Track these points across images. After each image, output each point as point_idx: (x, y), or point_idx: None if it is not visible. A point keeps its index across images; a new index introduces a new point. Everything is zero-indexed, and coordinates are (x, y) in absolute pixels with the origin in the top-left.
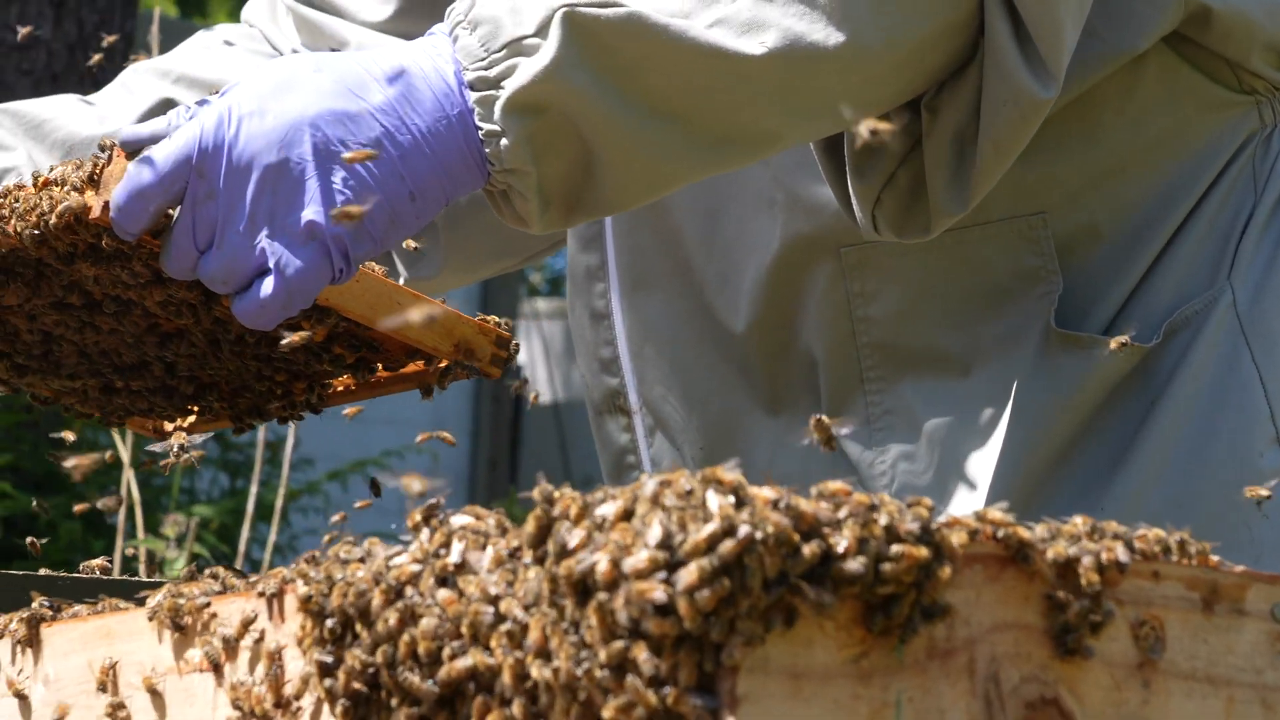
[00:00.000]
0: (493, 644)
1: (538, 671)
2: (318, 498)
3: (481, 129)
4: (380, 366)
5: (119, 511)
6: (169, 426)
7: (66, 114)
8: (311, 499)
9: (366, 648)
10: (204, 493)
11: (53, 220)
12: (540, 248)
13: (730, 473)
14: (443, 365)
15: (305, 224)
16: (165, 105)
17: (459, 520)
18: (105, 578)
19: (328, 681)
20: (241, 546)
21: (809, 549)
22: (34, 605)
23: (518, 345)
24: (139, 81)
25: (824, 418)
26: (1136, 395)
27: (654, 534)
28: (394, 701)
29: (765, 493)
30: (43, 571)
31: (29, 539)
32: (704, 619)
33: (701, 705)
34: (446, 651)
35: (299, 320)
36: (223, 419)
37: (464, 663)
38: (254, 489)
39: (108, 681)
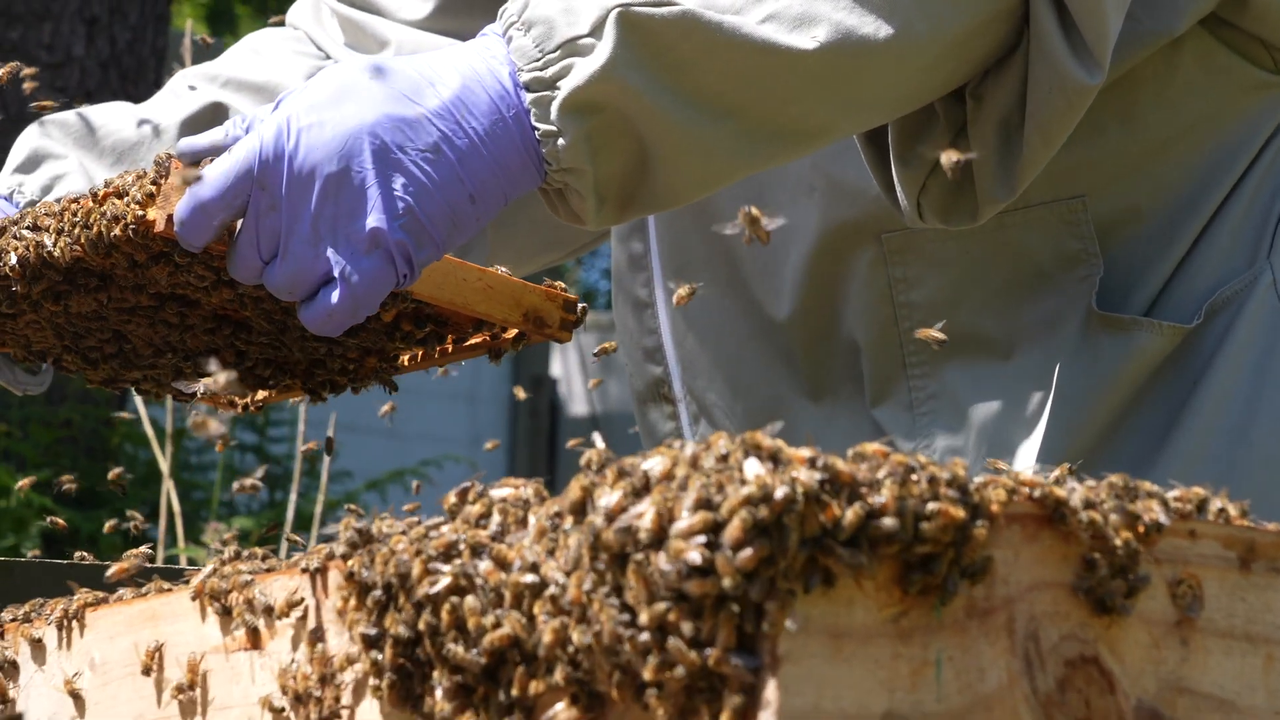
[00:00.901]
0: (535, 610)
1: (579, 636)
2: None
3: (538, 129)
4: (449, 338)
5: (160, 523)
6: (241, 401)
7: (116, 120)
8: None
9: (409, 619)
10: (244, 504)
11: (116, 233)
12: (585, 240)
13: (769, 437)
14: (512, 333)
15: (369, 232)
16: (214, 109)
17: (499, 492)
18: (148, 565)
19: (374, 654)
20: (281, 557)
21: (851, 511)
22: (77, 592)
23: (585, 308)
24: (187, 87)
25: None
26: (1178, 376)
27: (692, 496)
28: (437, 673)
29: (802, 453)
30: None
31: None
32: (744, 579)
33: (743, 665)
34: (489, 620)
35: None
36: (296, 391)
37: (505, 630)
38: (293, 500)
39: (153, 665)
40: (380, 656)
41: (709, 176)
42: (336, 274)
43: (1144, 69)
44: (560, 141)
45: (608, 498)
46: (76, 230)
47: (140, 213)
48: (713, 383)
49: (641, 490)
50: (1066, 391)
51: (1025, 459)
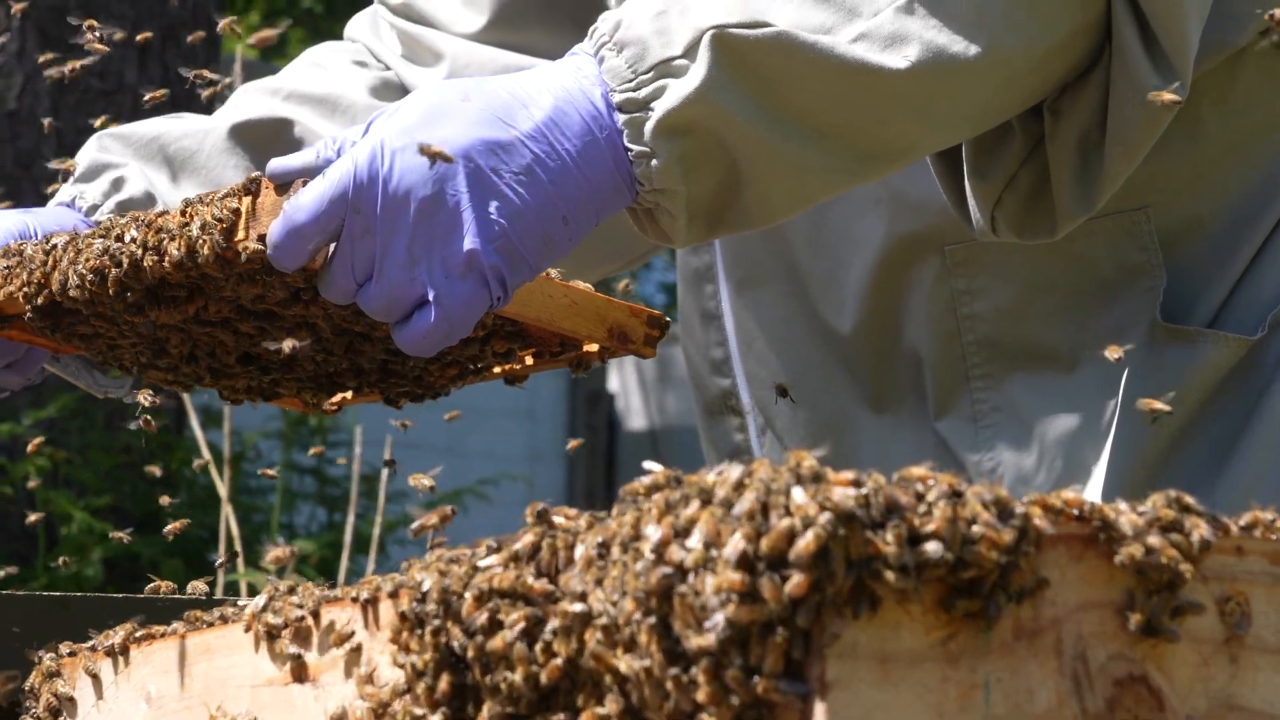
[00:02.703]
0: (586, 639)
1: (627, 665)
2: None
3: (631, 150)
4: (532, 351)
5: (220, 546)
6: (324, 404)
7: (176, 130)
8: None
9: (461, 649)
10: (303, 527)
11: (204, 254)
12: (643, 251)
13: (812, 458)
14: (596, 347)
15: (464, 255)
16: (274, 122)
17: (555, 519)
18: (204, 598)
19: (425, 683)
20: (341, 579)
21: (892, 534)
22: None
23: (669, 323)
24: (249, 101)
25: None
26: (1243, 387)
27: (738, 528)
28: (488, 704)
29: (845, 476)
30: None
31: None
32: (791, 606)
33: (791, 692)
34: (539, 649)
35: None
36: (374, 397)
37: (558, 661)
38: (350, 521)
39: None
40: (434, 685)
41: (799, 196)
42: (431, 297)
43: (1206, 80)
44: (654, 162)
45: (654, 531)
46: (164, 246)
47: (233, 234)
48: (776, 393)
49: (687, 527)
50: (1131, 403)
51: (1094, 471)
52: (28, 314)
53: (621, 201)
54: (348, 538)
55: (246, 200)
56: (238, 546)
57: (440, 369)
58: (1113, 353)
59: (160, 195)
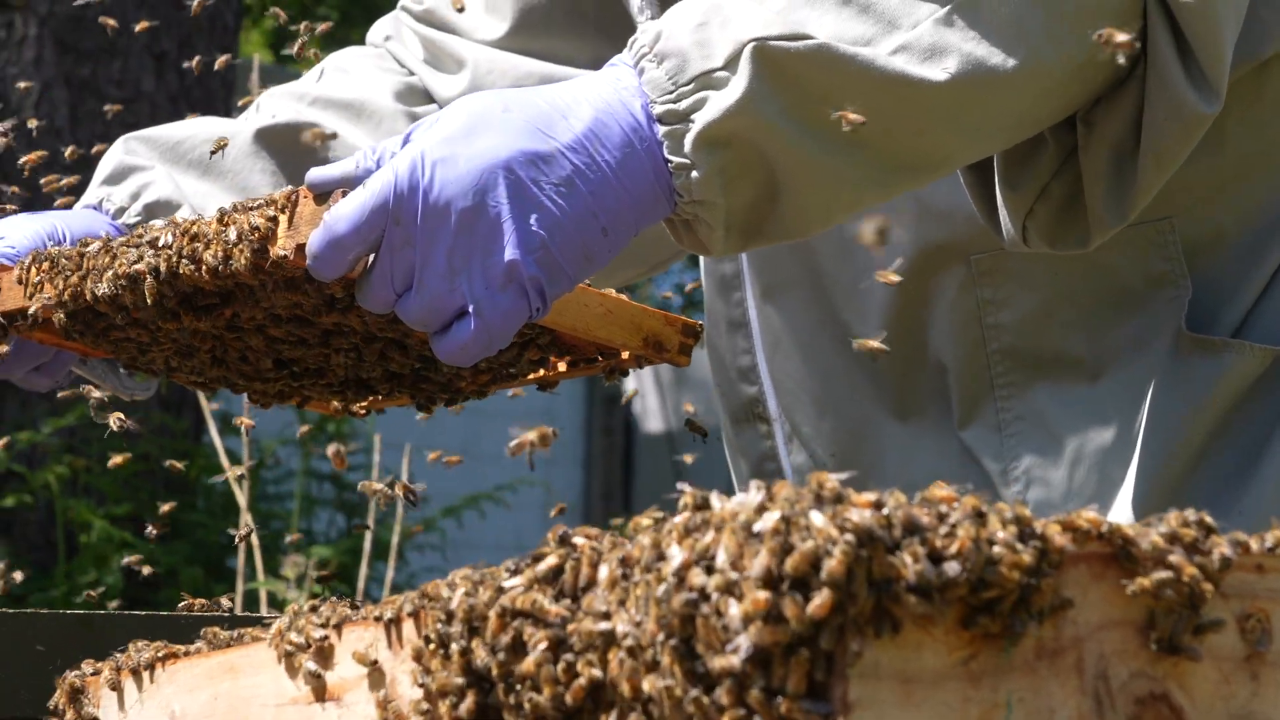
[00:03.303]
0: (610, 659)
1: (650, 685)
2: (434, 535)
3: (671, 161)
4: (568, 360)
5: (239, 554)
6: (354, 407)
7: (202, 133)
8: (427, 536)
9: (485, 669)
10: (322, 534)
11: (240, 262)
12: (664, 256)
13: (833, 480)
14: (630, 355)
15: (504, 267)
16: (302, 128)
17: (576, 540)
18: (225, 614)
19: (449, 703)
20: (360, 585)
21: (909, 556)
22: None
23: (702, 326)
24: (274, 106)
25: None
26: (1269, 396)
27: (760, 551)
28: (514, 716)
29: (867, 497)
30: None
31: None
32: (814, 626)
33: (815, 712)
34: (563, 669)
35: None
36: (405, 400)
37: (582, 681)
38: (370, 528)
39: None
40: (455, 705)
41: (836, 208)
42: (471, 308)
43: (1232, 90)
44: (694, 174)
45: (676, 552)
46: (199, 254)
47: (271, 243)
48: (800, 402)
49: (709, 550)
50: (1158, 413)
51: (1119, 480)
52: (59, 318)
53: (660, 213)
54: (367, 545)
55: (284, 209)
56: (256, 555)
57: (473, 375)
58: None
59: (186, 198)
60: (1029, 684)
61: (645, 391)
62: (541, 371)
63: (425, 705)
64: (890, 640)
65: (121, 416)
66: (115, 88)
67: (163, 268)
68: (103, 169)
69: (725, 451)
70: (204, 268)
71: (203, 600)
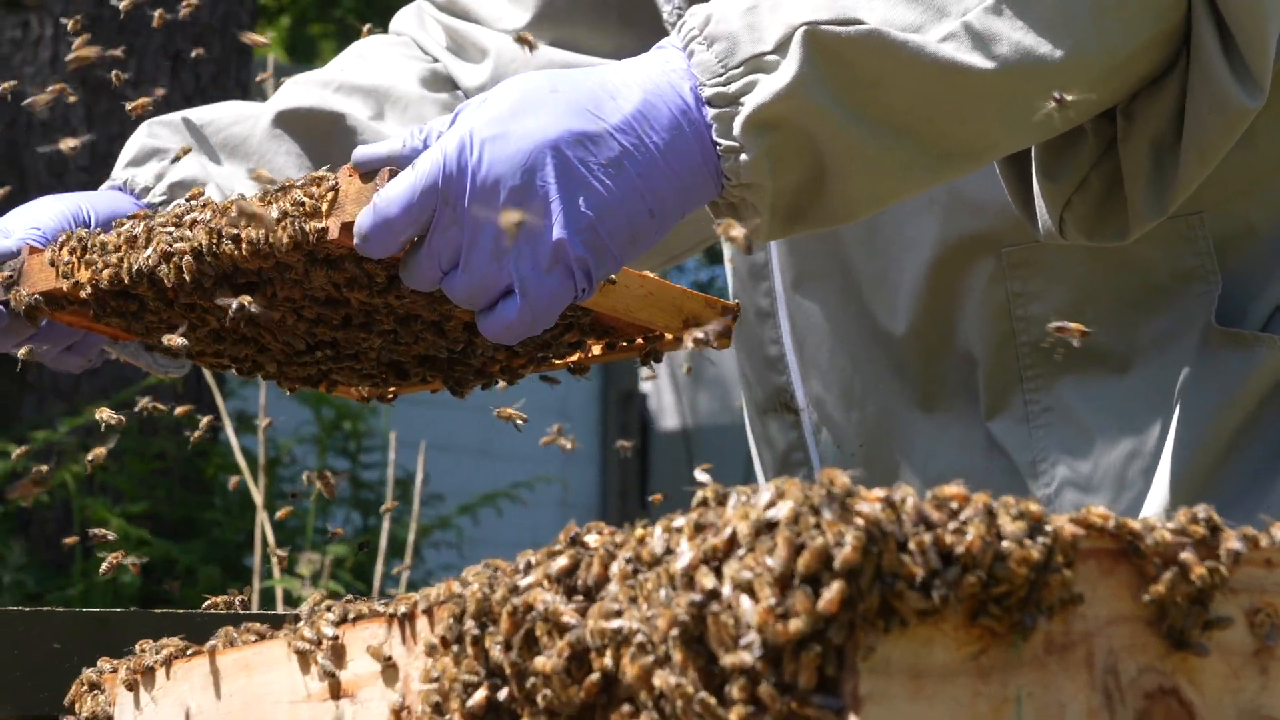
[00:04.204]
0: (622, 655)
1: (662, 681)
2: (450, 532)
3: (719, 144)
4: (603, 343)
5: (255, 552)
6: (379, 391)
7: (227, 116)
8: (443, 534)
9: (498, 665)
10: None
11: (283, 240)
12: (686, 247)
13: (844, 476)
14: (670, 338)
15: (551, 247)
16: (325, 114)
17: (588, 538)
18: (242, 612)
19: (461, 698)
20: (376, 583)
21: (921, 550)
22: (170, 642)
23: (739, 305)
24: (299, 91)
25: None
26: None
27: (773, 549)
28: (525, 717)
29: (877, 493)
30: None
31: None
32: (825, 621)
33: (826, 706)
34: (573, 665)
35: None
36: (435, 384)
37: (594, 677)
38: (386, 526)
39: None
40: (466, 700)
41: (880, 194)
42: (516, 288)
43: None
44: (742, 157)
45: (687, 549)
46: (241, 232)
47: (315, 220)
48: (828, 392)
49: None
50: (1187, 406)
51: (1147, 473)
52: (91, 298)
53: (707, 196)
54: (383, 542)
55: (330, 188)
56: (272, 552)
57: (508, 357)
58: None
59: (212, 178)
60: (1039, 679)
61: (661, 389)
62: (577, 355)
63: (436, 699)
64: (900, 635)
65: (111, 412)
66: (130, 88)
67: (204, 244)
68: (126, 152)
69: (749, 441)
70: (245, 246)
71: (225, 598)
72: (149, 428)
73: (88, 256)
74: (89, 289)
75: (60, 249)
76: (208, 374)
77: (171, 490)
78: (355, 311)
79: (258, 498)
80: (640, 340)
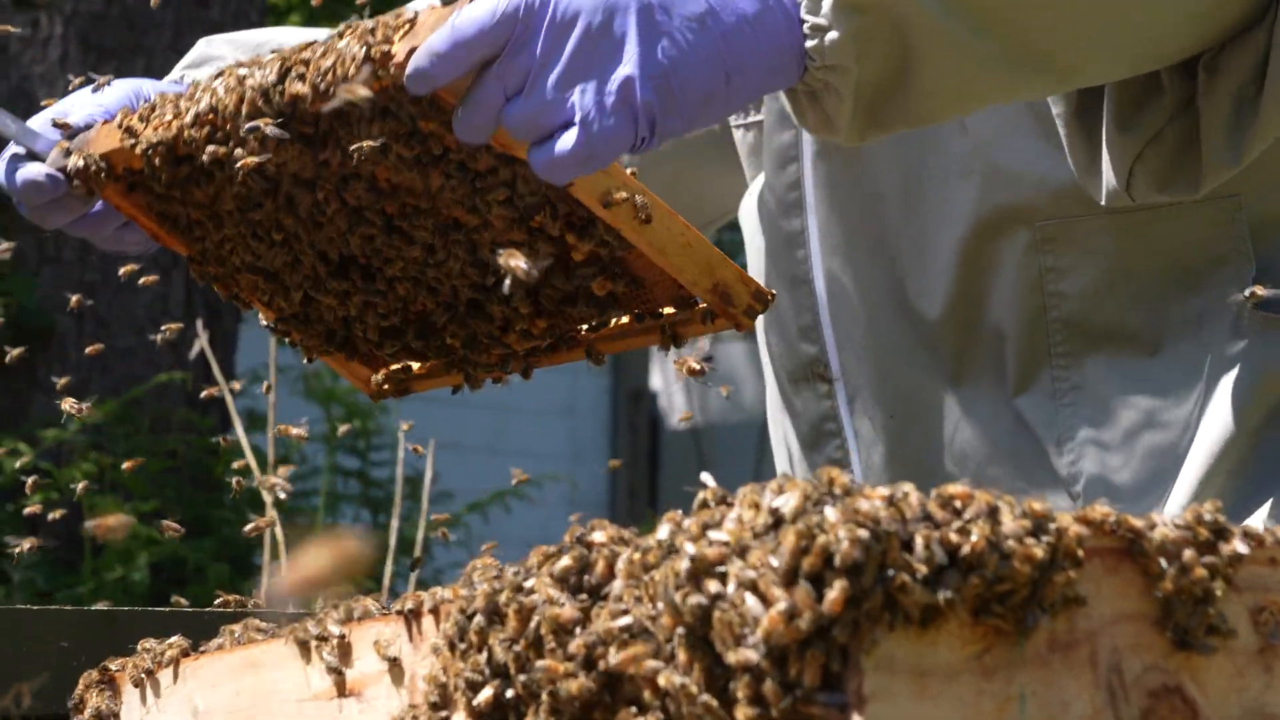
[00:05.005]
0: (626, 655)
1: (666, 680)
2: (459, 530)
3: (807, 22)
4: (624, 314)
5: (264, 552)
6: (375, 377)
7: (278, 39)
8: (452, 531)
9: (503, 665)
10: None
11: (354, 64)
12: (712, 218)
13: (844, 476)
14: (687, 318)
15: (620, 85)
16: None
17: (594, 536)
18: (250, 610)
19: (467, 696)
20: (385, 581)
21: (925, 549)
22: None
23: (774, 297)
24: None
25: None
26: None
27: (777, 548)
28: (530, 716)
29: (881, 491)
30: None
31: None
32: (829, 620)
33: (829, 703)
34: (579, 664)
35: (561, 232)
36: (454, 375)
37: (599, 676)
38: (395, 524)
39: None
40: (478, 701)
41: (965, 95)
42: (578, 119)
43: None
44: (829, 36)
45: (691, 549)
46: (312, 61)
47: (390, 41)
48: (862, 363)
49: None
50: (1217, 390)
51: (1175, 456)
52: (151, 160)
53: (786, 77)
54: (392, 541)
55: (407, 20)
56: (282, 550)
57: (530, 316)
58: None
59: None
60: (1042, 677)
61: (670, 388)
62: (600, 321)
63: (445, 698)
64: (904, 633)
65: (74, 402)
66: None
67: (272, 80)
68: (185, 59)
69: (769, 417)
70: (313, 76)
71: (237, 596)
72: (160, 426)
73: (155, 115)
74: (150, 146)
75: (129, 116)
76: (217, 373)
77: (182, 489)
78: (397, 213)
79: (268, 496)
80: (669, 311)
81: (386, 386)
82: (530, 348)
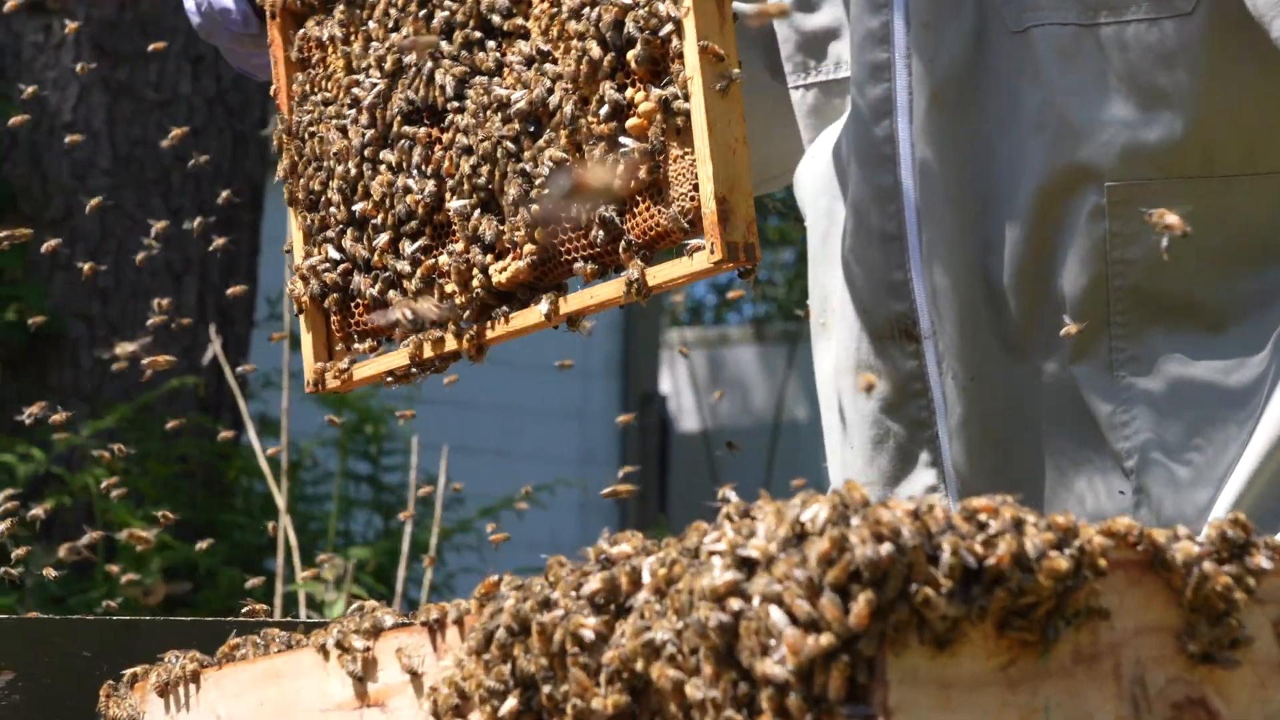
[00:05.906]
0: (652, 668)
1: (691, 692)
2: (471, 535)
3: None
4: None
5: (278, 557)
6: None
7: None
8: (464, 536)
9: (527, 674)
10: (359, 535)
11: None
12: (770, 176)
13: (863, 490)
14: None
15: None
16: None
17: (616, 549)
18: (269, 619)
19: (492, 706)
20: (399, 586)
21: (950, 563)
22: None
23: (758, 262)
24: None
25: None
26: None
27: (802, 564)
28: None
29: (906, 505)
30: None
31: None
32: (855, 633)
33: (855, 715)
34: (604, 678)
35: None
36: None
37: (624, 689)
38: (408, 529)
39: None
40: (497, 708)
41: None
42: None
43: None
44: None
45: (719, 563)
46: None
47: None
48: (947, 321)
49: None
50: None
51: (1235, 434)
52: None
53: None
54: (405, 545)
55: None
56: (295, 556)
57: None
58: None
59: None
60: (1066, 689)
61: (680, 391)
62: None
63: (458, 701)
64: (929, 646)
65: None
66: (153, 91)
67: None
68: None
69: (820, 387)
70: None
71: (264, 605)
72: (172, 431)
73: None
74: None
75: None
76: (230, 378)
77: (194, 493)
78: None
79: (280, 501)
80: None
81: (329, 375)
82: (511, 277)
